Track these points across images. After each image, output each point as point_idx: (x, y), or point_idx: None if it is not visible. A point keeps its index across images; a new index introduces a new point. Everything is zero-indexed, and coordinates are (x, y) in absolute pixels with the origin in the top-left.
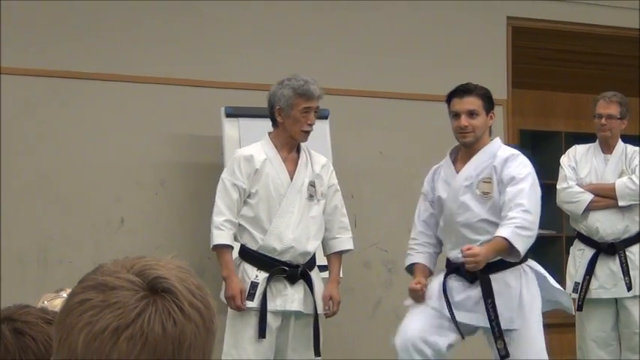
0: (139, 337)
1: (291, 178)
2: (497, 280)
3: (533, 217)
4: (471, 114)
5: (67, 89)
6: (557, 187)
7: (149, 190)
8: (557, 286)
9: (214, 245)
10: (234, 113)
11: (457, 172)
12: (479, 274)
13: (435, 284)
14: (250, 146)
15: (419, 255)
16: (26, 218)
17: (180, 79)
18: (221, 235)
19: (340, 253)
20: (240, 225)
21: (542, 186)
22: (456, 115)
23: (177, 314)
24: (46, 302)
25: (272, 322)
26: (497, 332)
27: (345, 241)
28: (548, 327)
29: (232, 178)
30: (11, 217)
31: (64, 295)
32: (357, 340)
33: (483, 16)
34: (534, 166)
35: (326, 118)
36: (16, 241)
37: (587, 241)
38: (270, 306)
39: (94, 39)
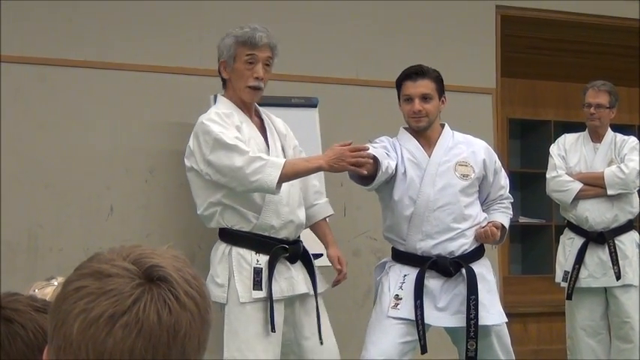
0: (135, 325)
1: (267, 144)
2: (477, 274)
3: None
4: (425, 98)
5: (57, 77)
6: (547, 175)
7: (139, 178)
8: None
9: (280, 165)
10: None
11: (427, 156)
12: (464, 265)
13: (405, 284)
14: (211, 109)
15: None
16: (16, 206)
17: (169, 67)
18: (270, 157)
19: (325, 218)
20: (223, 205)
21: (530, 175)
22: (408, 99)
23: (172, 303)
24: (36, 290)
25: (277, 312)
26: (472, 332)
27: (324, 206)
28: (538, 315)
29: (223, 127)
30: (1, 205)
31: (55, 283)
32: (346, 328)
33: (472, 5)
34: (523, 154)
35: (315, 106)
36: (5, 229)
37: (576, 230)
38: (277, 292)
39: (83, 26)
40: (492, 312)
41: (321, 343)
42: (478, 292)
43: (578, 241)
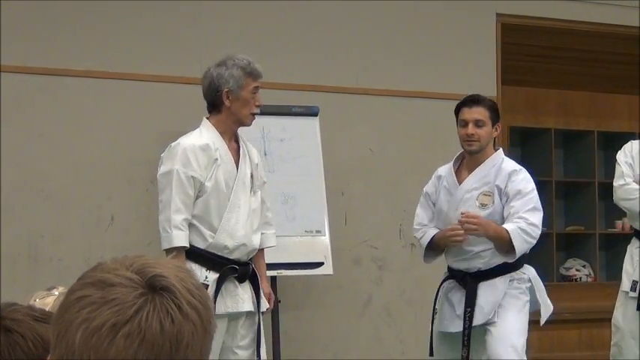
0: (137, 334)
1: (237, 170)
2: (486, 283)
3: (537, 231)
4: (478, 123)
5: (59, 87)
6: (614, 184)
7: (140, 188)
8: (545, 297)
9: (174, 247)
10: None
11: (459, 182)
12: (469, 279)
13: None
14: (194, 134)
15: (433, 229)
16: (17, 216)
17: (170, 77)
18: (181, 237)
19: (263, 249)
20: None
21: None
22: (463, 124)
23: (175, 312)
24: (37, 300)
25: (220, 324)
26: (465, 341)
27: (270, 237)
28: (537, 323)
29: (188, 169)
30: (1, 215)
31: (56, 293)
32: (347, 336)
33: (473, 13)
34: (524, 162)
35: (316, 115)
36: (6, 239)
37: None
38: (220, 308)
39: (85, 36)
40: (485, 311)
41: (258, 358)
42: (476, 305)
43: None
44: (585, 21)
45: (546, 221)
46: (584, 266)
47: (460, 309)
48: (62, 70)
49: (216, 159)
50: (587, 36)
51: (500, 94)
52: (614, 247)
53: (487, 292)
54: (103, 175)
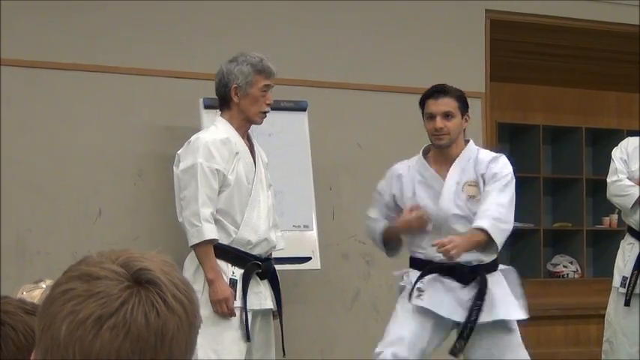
0: (122, 327)
1: (254, 165)
2: (493, 279)
3: (507, 210)
4: (447, 115)
5: (46, 80)
6: (608, 180)
7: (127, 182)
8: (518, 298)
9: (204, 241)
10: (212, 104)
11: (437, 174)
12: (480, 273)
13: (426, 279)
14: (210, 130)
15: (381, 222)
16: (4, 209)
17: (158, 70)
18: (212, 229)
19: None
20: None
21: (519, 179)
22: (430, 117)
23: (160, 306)
24: (24, 293)
25: (250, 321)
26: (466, 334)
27: (280, 239)
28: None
29: (211, 162)
30: None
31: (43, 286)
32: (335, 331)
33: (462, 9)
34: (512, 159)
35: (304, 110)
36: None
37: (637, 235)
38: (249, 304)
39: (72, 30)
40: (510, 307)
41: (284, 355)
42: (485, 298)
43: (638, 247)
44: (574, 18)
45: (534, 217)
46: (571, 262)
47: (463, 299)
48: (50, 63)
49: (237, 152)
50: (576, 33)
51: (489, 91)
52: (602, 244)
53: (499, 290)
54: (91, 169)
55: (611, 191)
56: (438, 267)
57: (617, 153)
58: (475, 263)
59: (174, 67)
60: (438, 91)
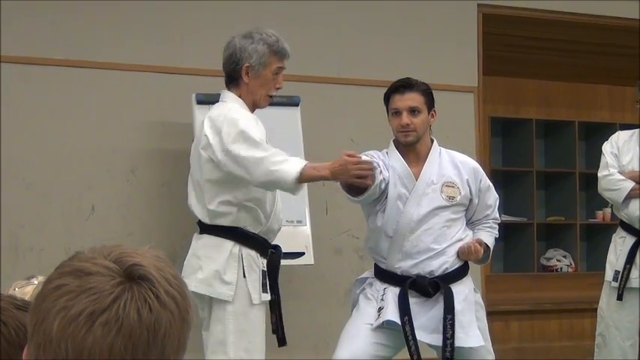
0: (114, 323)
1: None
2: (456, 293)
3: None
4: (413, 111)
5: (39, 76)
6: (598, 174)
7: (120, 178)
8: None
9: (303, 166)
10: (205, 100)
11: (410, 172)
12: (442, 285)
13: (386, 295)
14: (233, 107)
15: None
16: None
17: (151, 66)
18: (296, 159)
19: None
20: (242, 205)
21: (512, 173)
22: (396, 113)
23: (153, 301)
24: (17, 289)
25: (261, 313)
26: (448, 353)
27: None
28: (519, 313)
29: (250, 125)
30: None
31: (36, 282)
32: (328, 326)
33: (454, 4)
34: (505, 153)
35: (297, 105)
36: None
37: (629, 229)
38: (263, 296)
39: (66, 26)
40: (470, 334)
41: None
42: (455, 313)
43: (630, 240)
44: (566, 11)
45: (527, 211)
46: (564, 256)
47: (422, 320)
48: (43, 59)
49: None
50: (569, 26)
51: (482, 85)
52: (595, 238)
53: (464, 308)
54: (84, 165)
55: (603, 185)
56: (399, 280)
57: (607, 147)
58: (439, 273)
59: (167, 63)
60: (404, 85)
